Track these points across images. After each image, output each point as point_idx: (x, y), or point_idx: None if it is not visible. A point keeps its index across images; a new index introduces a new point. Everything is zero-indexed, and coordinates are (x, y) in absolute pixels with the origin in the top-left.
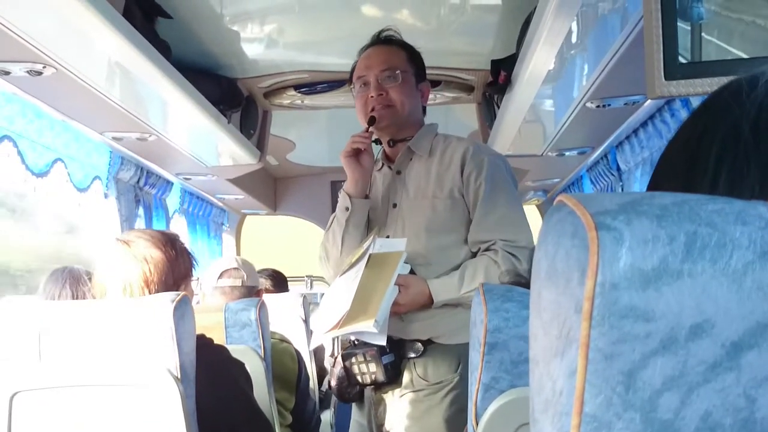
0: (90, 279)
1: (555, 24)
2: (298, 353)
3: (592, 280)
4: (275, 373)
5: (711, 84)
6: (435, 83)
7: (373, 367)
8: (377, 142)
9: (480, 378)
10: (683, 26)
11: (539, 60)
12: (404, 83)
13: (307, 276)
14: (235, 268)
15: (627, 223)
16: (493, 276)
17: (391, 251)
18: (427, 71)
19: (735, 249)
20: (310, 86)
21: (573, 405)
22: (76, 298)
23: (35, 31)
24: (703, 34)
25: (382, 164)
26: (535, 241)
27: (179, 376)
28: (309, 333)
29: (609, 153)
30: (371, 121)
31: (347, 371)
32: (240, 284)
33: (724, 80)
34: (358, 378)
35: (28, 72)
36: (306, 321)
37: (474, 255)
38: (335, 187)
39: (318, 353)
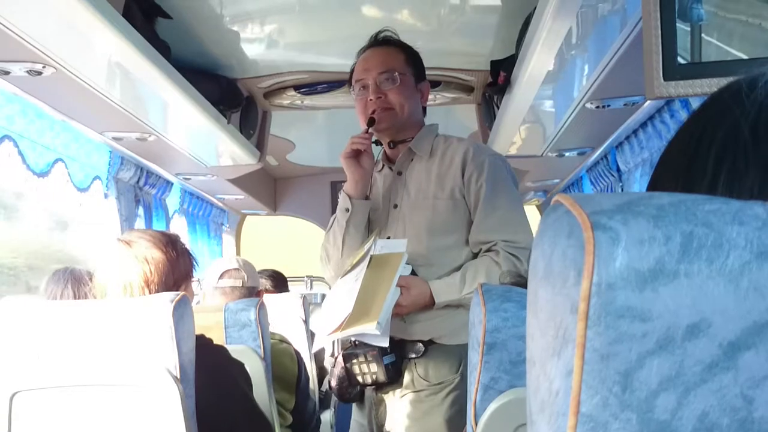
0: (91, 279)
1: (554, 25)
2: (297, 353)
3: (588, 280)
4: (275, 374)
5: (710, 85)
6: (435, 84)
7: (374, 367)
8: (377, 143)
9: (479, 378)
10: (683, 27)
11: (539, 61)
12: (403, 85)
13: (307, 276)
14: (235, 269)
15: (623, 223)
16: (495, 277)
17: (392, 252)
18: (427, 72)
19: (732, 249)
20: (310, 86)
21: (569, 405)
22: (78, 299)
23: (35, 31)
24: (702, 35)
25: (383, 165)
26: None
27: (178, 376)
28: (309, 333)
29: (609, 153)
30: (371, 123)
31: (348, 371)
32: (240, 285)
33: (723, 81)
34: (359, 378)
35: (27, 72)
36: (306, 321)
37: (475, 256)
38: (335, 187)
39: (318, 353)
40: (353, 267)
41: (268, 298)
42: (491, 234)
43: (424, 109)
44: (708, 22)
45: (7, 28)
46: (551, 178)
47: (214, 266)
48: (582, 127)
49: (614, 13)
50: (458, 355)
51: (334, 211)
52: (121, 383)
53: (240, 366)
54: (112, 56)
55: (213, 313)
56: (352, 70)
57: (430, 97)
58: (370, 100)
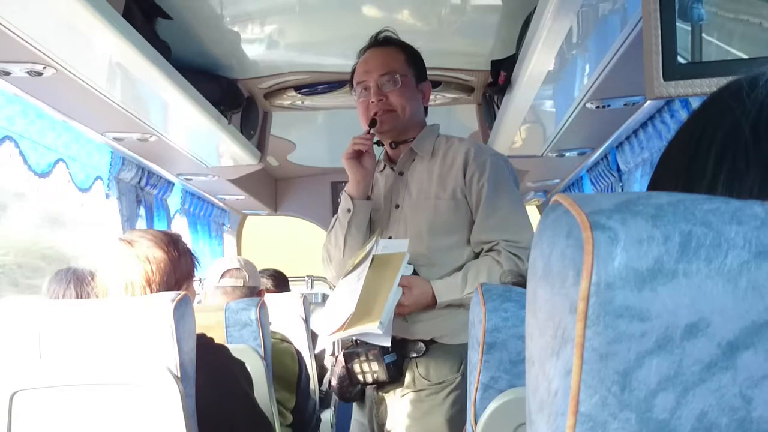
0: (94, 279)
1: (555, 24)
2: (298, 353)
3: (587, 279)
4: (275, 373)
5: (710, 84)
6: (435, 84)
7: (375, 366)
8: (379, 143)
9: (479, 378)
10: (683, 27)
11: (539, 60)
12: (404, 87)
13: (307, 276)
14: (237, 268)
15: (622, 222)
16: (496, 277)
17: (394, 252)
18: (427, 72)
19: (730, 248)
20: (311, 87)
21: (568, 405)
22: (81, 299)
23: (35, 32)
24: (702, 34)
25: (384, 165)
26: None
27: (179, 375)
28: (309, 333)
29: (609, 154)
30: (372, 124)
31: (349, 370)
32: (242, 284)
33: (723, 81)
34: (360, 377)
35: (28, 73)
36: (306, 321)
37: (477, 256)
38: (336, 187)
39: (318, 353)
40: (355, 267)
41: (269, 298)
42: (493, 234)
43: (426, 109)
44: (708, 22)
45: (7, 29)
46: (551, 178)
47: (215, 266)
48: (582, 127)
49: (614, 13)
50: (459, 354)
51: (334, 211)
52: (121, 382)
53: (241, 365)
54: (113, 57)
55: (214, 312)
56: (353, 71)
57: (431, 97)
58: (372, 102)
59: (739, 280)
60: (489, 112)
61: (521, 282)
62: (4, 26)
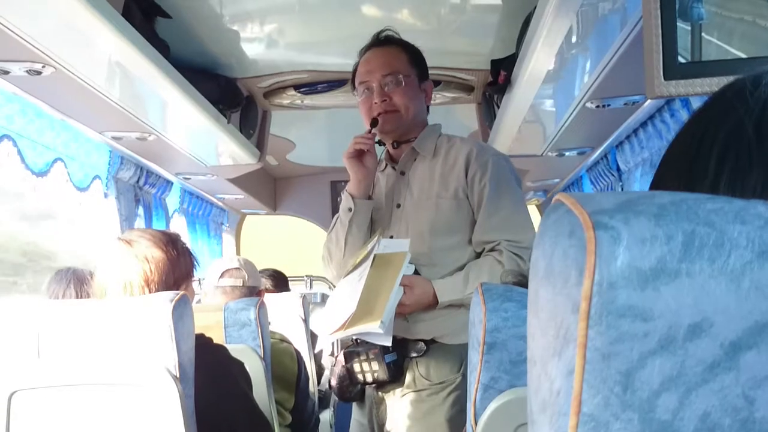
0: (93, 279)
1: (555, 24)
2: (297, 353)
3: (589, 279)
4: (275, 373)
5: (711, 84)
6: (435, 83)
7: (375, 365)
8: (380, 143)
9: (479, 378)
10: (683, 26)
11: (539, 60)
12: (407, 87)
13: (306, 276)
14: (236, 268)
15: (625, 222)
16: (498, 276)
17: (395, 252)
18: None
19: (733, 248)
20: (310, 86)
21: (571, 405)
22: (80, 299)
23: (34, 31)
24: (702, 34)
25: (386, 165)
26: None
27: (178, 376)
28: (309, 333)
29: (609, 153)
30: (374, 123)
31: (349, 370)
32: (241, 284)
33: (724, 80)
34: (360, 377)
35: (27, 71)
36: (306, 321)
37: (478, 255)
38: (335, 187)
39: (317, 352)
40: (356, 266)
41: (268, 298)
42: (494, 234)
43: (428, 108)
44: (708, 21)
45: (6, 27)
46: (551, 177)
47: (215, 265)
48: (582, 127)
49: (614, 12)
50: (460, 354)
51: (334, 210)
52: (120, 382)
53: (240, 365)
54: (112, 56)
55: (213, 312)
56: (355, 70)
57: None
58: (375, 103)
59: (742, 280)
60: (489, 112)
61: (522, 282)
62: (3, 25)
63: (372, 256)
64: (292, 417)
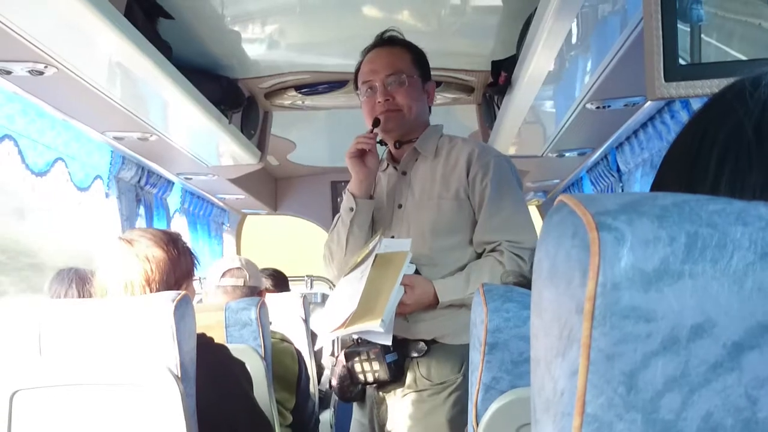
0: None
1: (555, 25)
2: (298, 353)
3: (593, 280)
4: (276, 373)
5: (711, 85)
6: (435, 84)
7: (376, 365)
8: (382, 142)
9: (480, 378)
10: (683, 28)
11: (539, 61)
12: (411, 87)
13: (307, 276)
14: (237, 268)
15: (628, 223)
16: (498, 277)
17: (396, 251)
18: None
19: (736, 250)
20: (311, 87)
21: (574, 405)
22: (82, 298)
23: (37, 31)
24: (702, 35)
25: (387, 165)
26: None
27: (179, 375)
28: (309, 333)
29: (609, 154)
30: (376, 123)
31: (350, 370)
32: (242, 284)
33: (724, 82)
34: (361, 377)
35: (29, 72)
36: (306, 321)
37: (479, 256)
38: (335, 187)
39: (317, 351)
40: (357, 265)
41: (269, 298)
42: (495, 234)
43: (430, 109)
44: (707, 23)
45: (9, 28)
46: (551, 178)
47: (216, 265)
48: (582, 128)
49: (615, 14)
50: (461, 355)
51: (334, 211)
52: (122, 382)
53: (241, 365)
54: (114, 56)
55: (214, 312)
56: (357, 70)
57: None
58: (379, 102)
59: (744, 281)
60: (489, 113)
61: (522, 283)
62: (5, 25)
63: (373, 256)
64: (293, 417)
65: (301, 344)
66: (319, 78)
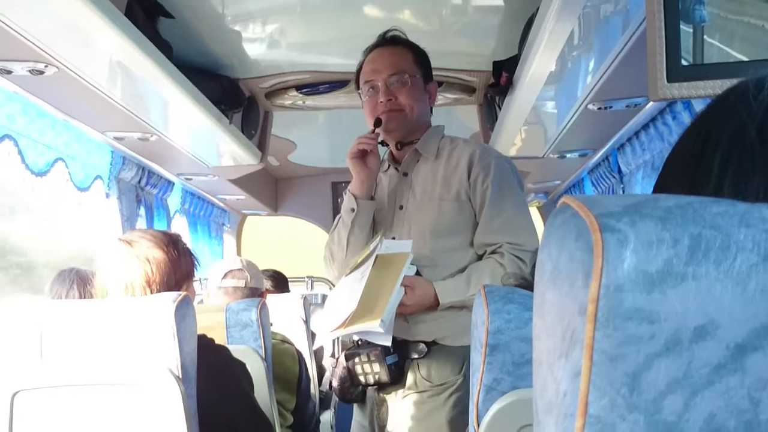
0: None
1: (557, 26)
2: (299, 354)
3: (596, 282)
4: (276, 374)
5: (713, 86)
6: (437, 84)
7: (376, 367)
8: (383, 143)
9: (481, 379)
10: (685, 28)
11: (541, 62)
12: (413, 87)
13: (307, 277)
14: (239, 269)
15: (631, 225)
16: (499, 279)
17: (397, 252)
18: None
19: (739, 251)
20: (312, 87)
21: (577, 406)
22: (83, 299)
23: (37, 31)
24: (705, 36)
25: (388, 165)
26: None
27: (180, 376)
28: (309, 334)
29: (610, 155)
30: (377, 123)
31: (350, 371)
32: (243, 285)
33: (726, 83)
34: (362, 378)
35: (30, 71)
36: (307, 322)
37: (480, 258)
38: (336, 188)
39: (317, 352)
40: (358, 265)
41: (269, 299)
42: (496, 236)
43: (431, 109)
44: (710, 24)
45: (9, 27)
46: (552, 179)
47: (217, 266)
48: (584, 129)
49: (617, 14)
50: (461, 356)
51: (335, 211)
52: (122, 383)
53: (241, 366)
54: (115, 56)
55: (215, 313)
56: (359, 70)
57: None
58: (381, 102)
59: (747, 282)
60: (490, 113)
61: (523, 285)
62: (6, 25)
63: (374, 257)
64: (294, 418)
65: (302, 345)
66: (320, 78)
